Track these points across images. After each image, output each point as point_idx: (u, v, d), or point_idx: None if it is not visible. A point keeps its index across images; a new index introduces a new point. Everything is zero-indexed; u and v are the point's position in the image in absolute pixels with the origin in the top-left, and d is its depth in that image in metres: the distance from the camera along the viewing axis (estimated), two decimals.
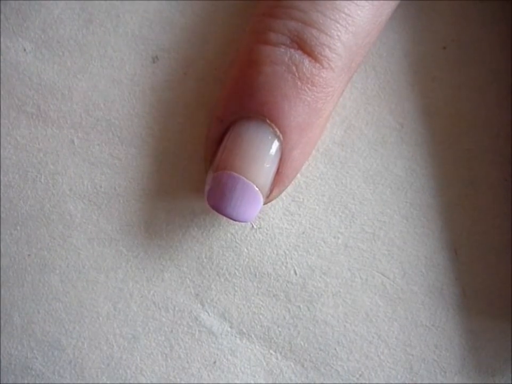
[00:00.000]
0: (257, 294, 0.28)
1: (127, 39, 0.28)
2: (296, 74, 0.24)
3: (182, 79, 0.28)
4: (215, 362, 0.28)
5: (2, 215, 0.28)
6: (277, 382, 0.28)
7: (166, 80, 0.28)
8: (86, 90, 0.28)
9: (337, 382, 0.28)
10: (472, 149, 0.29)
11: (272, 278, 0.28)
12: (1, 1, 0.29)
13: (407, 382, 0.28)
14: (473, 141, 0.29)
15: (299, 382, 0.28)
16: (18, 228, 0.28)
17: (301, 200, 0.29)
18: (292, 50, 0.24)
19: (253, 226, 0.28)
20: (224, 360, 0.28)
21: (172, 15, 0.29)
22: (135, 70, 0.28)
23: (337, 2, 0.24)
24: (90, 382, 0.28)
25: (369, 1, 0.25)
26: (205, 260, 0.28)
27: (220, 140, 0.25)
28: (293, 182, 0.28)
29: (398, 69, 0.29)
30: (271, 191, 0.26)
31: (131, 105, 0.28)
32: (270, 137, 0.25)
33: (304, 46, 0.24)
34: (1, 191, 0.28)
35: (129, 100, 0.28)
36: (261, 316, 0.28)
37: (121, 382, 0.28)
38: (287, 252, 0.28)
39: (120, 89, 0.28)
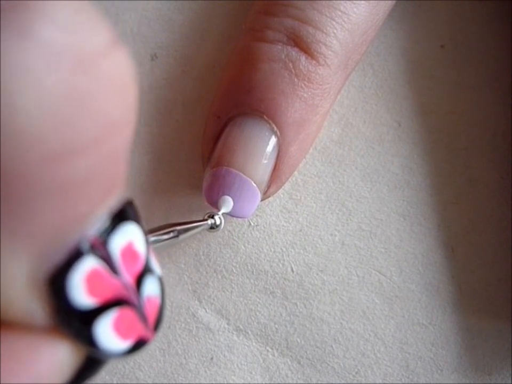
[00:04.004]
0: (254, 291, 0.28)
1: (126, 37, 0.29)
2: (293, 71, 0.24)
3: (180, 77, 0.29)
4: (212, 358, 0.28)
5: None
6: (274, 379, 0.28)
7: (164, 78, 0.29)
8: None
9: (334, 379, 0.28)
10: (469, 147, 0.29)
11: (269, 275, 0.28)
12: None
13: (403, 380, 0.28)
14: (470, 140, 0.29)
15: (295, 378, 0.28)
16: None
17: (298, 197, 0.29)
18: (289, 47, 0.24)
19: (250, 223, 0.28)
20: (221, 356, 0.28)
21: (170, 13, 0.29)
22: (134, 67, 0.29)
23: (333, 0, 0.24)
24: None
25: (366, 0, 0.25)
26: (202, 257, 0.28)
27: (217, 136, 0.26)
28: (290, 180, 0.28)
29: (395, 67, 0.29)
30: (268, 187, 0.26)
31: None
32: (267, 134, 0.25)
33: (300, 43, 0.24)
34: None
35: None
36: (257, 313, 0.28)
37: (120, 377, 0.28)
38: (284, 249, 0.28)
39: None
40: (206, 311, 0.28)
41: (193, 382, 0.28)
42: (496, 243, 0.28)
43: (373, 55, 0.29)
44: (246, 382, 0.28)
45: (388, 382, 0.28)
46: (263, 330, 0.28)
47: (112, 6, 0.29)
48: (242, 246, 0.28)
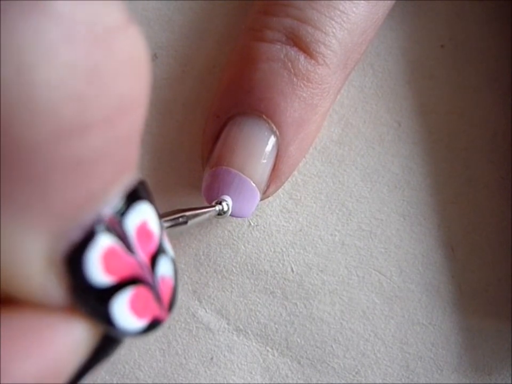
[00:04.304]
0: (254, 291, 0.28)
1: None
2: (292, 70, 0.24)
3: (181, 77, 0.29)
4: (212, 358, 0.28)
5: None
6: (274, 379, 0.28)
7: (164, 78, 0.29)
8: None
9: (334, 379, 0.28)
10: (469, 147, 0.29)
11: (269, 275, 0.28)
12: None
13: (403, 380, 0.28)
14: (470, 140, 0.29)
15: (295, 378, 0.28)
16: None
17: (298, 197, 0.29)
18: (288, 47, 0.24)
19: (250, 223, 0.28)
20: (221, 356, 0.28)
21: (170, 13, 0.29)
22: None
23: (332, 0, 0.24)
24: (89, 377, 0.28)
25: None
26: (202, 257, 0.28)
27: (216, 136, 0.26)
28: (290, 180, 0.28)
29: (395, 67, 0.29)
30: (267, 187, 0.26)
31: None
32: (266, 133, 0.25)
33: (299, 43, 0.24)
34: None
35: None
36: (257, 313, 0.28)
37: (120, 377, 0.28)
38: (284, 249, 0.28)
39: None
40: (206, 311, 0.28)
41: (193, 382, 0.28)
42: (496, 243, 0.28)
43: (373, 55, 0.29)
44: (246, 382, 0.28)
45: (387, 382, 0.28)
46: (263, 330, 0.28)
47: None
48: (242, 246, 0.28)
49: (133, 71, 0.14)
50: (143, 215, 0.15)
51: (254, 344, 0.28)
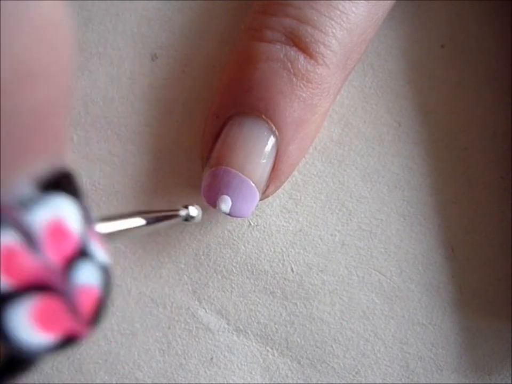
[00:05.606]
0: (254, 291, 0.28)
1: (126, 37, 0.29)
2: (291, 70, 0.24)
3: (181, 77, 0.29)
4: (212, 358, 0.28)
5: None
6: (274, 379, 0.28)
7: (164, 78, 0.29)
8: (85, 88, 0.29)
9: (334, 379, 0.28)
10: (469, 147, 0.29)
11: (269, 275, 0.28)
12: None
13: (403, 380, 0.28)
14: (470, 140, 0.29)
15: (295, 378, 0.28)
16: None
17: (298, 197, 0.29)
18: (287, 47, 0.24)
19: (250, 223, 0.28)
20: (221, 356, 0.28)
21: (170, 13, 0.29)
22: (134, 67, 0.29)
23: (332, 0, 0.24)
24: (88, 377, 0.28)
25: None
26: (202, 257, 0.28)
27: (216, 136, 0.26)
28: (290, 180, 0.28)
29: (395, 67, 0.29)
30: (267, 186, 0.26)
31: (130, 102, 0.29)
32: (265, 133, 0.25)
33: (299, 43, 0.24)
34: None
35: (128, 97, 0.29)
36: (257, 313, 0.28)
37: (119, 377, 0.28)
38: (284, 249, 0.28)
39: (119, 87, 0.29)
40: (206, 311, 0.28)
41: (193, 382, 0.28)
42: (496, 243, 0.28)
43: (373, 55, 0.29)
44: (246, 382, 0.28)
45: (387, 382, 0.28)
46: (263, 330, 0.28)
47: (112, 6, 0.29)
48: (242, 246, 0.28)
49: (48, 36, 0.13)
50: (58, 211, 0.13)
51: (254, 344, 0.28)
